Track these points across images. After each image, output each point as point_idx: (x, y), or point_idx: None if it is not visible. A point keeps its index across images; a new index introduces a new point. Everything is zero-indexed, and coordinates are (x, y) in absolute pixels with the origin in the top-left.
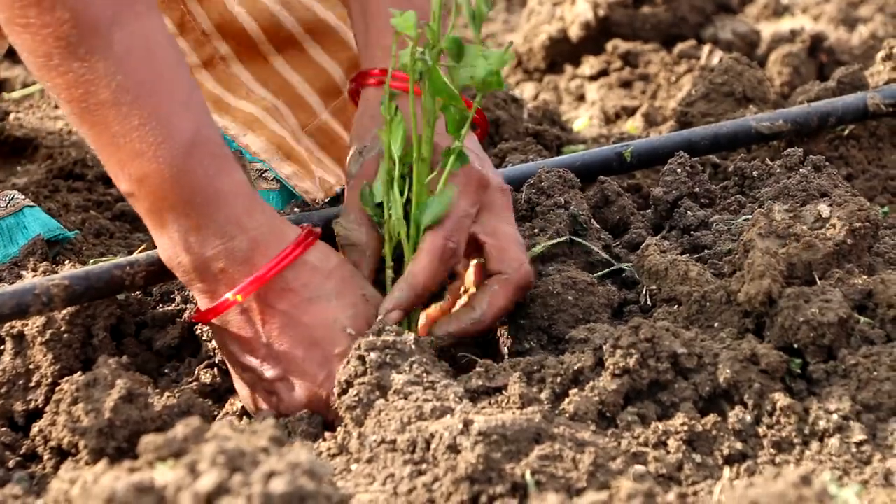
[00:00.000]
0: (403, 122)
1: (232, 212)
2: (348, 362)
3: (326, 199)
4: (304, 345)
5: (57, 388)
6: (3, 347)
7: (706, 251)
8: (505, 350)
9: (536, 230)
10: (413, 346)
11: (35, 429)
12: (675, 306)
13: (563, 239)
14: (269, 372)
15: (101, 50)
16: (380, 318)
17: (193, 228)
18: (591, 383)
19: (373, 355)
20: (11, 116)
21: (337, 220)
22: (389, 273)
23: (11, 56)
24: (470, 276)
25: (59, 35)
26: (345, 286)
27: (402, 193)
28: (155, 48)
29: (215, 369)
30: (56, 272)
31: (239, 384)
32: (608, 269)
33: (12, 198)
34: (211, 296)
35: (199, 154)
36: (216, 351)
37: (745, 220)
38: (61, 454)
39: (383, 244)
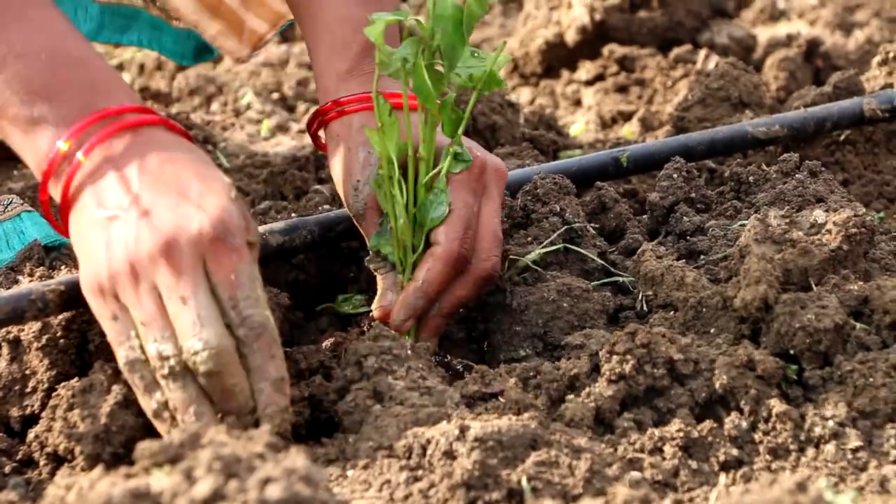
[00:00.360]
0: (398, 123)
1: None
2: (344, 367)
3: (253, 53)
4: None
5: (53, 394)
6: None
7: (702, 257)
8: None
9: (531, 238)
10: (410, 352)
11: (31, 434)
12: (672, 312)
13: (557, 247)
14: (138, 209)
15: None
16: (395, 325)
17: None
18: (587, 389)
19: (370, 361)
20: None
21: (367, 259)
22: (401, 279)
23: None
24: None
25: None
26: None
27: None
28: None
29: None
30: (52, 277)
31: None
32: (606, 281)
33: (10, 202)
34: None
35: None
36: None
37: (741, 225)
38: (57, 460)
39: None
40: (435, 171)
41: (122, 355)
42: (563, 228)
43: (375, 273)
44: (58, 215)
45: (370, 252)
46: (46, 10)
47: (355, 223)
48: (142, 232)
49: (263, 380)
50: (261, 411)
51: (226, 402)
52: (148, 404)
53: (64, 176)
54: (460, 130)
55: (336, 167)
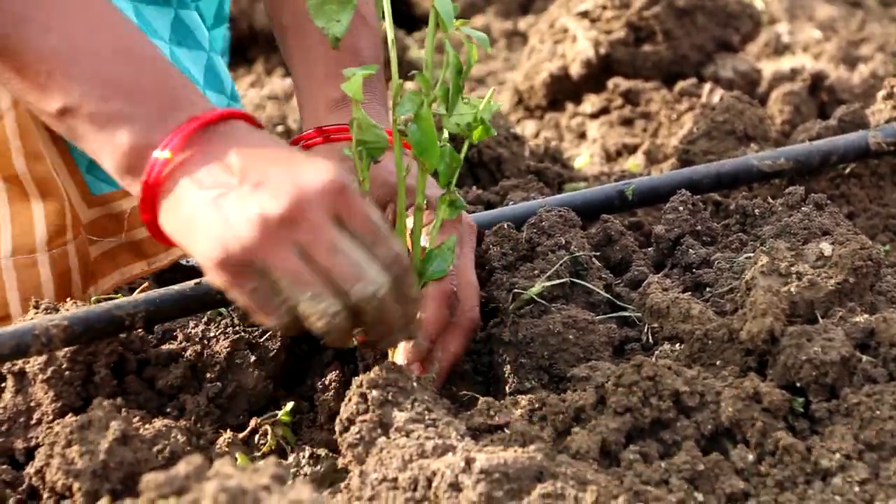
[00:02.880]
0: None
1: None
2: (349, 399)
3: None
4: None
5: (49, 431)
6: (4, 385)
7: (708, 289)
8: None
9: (536, 271)
10: (415, 384)
11: (31, 468)
12: (677, 344)
13: (563, 280)
14: (249, 182)
15: None
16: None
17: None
18: (593, 421)
19: (374, 392)
20: None
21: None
22: None
23: None
24: None
25: None
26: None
27: None
28: None
29: (211, 404)
30: (58, 309)
31: (217, 228)
32: (612, 315)
33: None
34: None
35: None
36: (216, 384)
37: (746, 258)
38: (61, 493)
39: None
40: (431, 222)
41: (274, 321)
42: (566, 258)
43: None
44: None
45: None
46: (106, 4)
47: None
48: (264, 200)
49: (416, 306)
50: (407, 331)
51: (383, 333)
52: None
53: (150, 169)
54: (454, 178)
55: None
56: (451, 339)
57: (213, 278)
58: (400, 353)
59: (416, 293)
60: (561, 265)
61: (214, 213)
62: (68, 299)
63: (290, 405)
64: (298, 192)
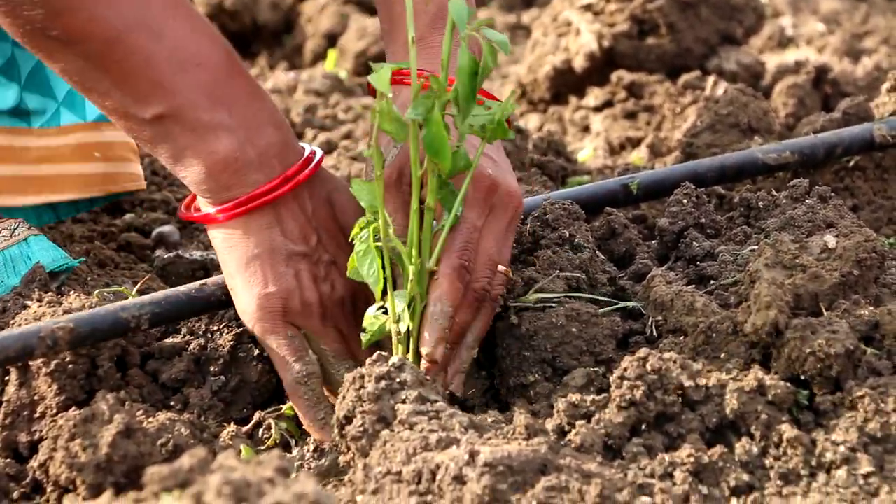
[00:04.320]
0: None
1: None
2: (345, 397)
3: None
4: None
5: (53, 424)
6: (7, 378)
7: (712, 282)
8: None
9: (540, 272)
10: (417, 376)
11: (35, 462)
12: (681, 337)
13: (558, 296)
14: (324, 255)
15: None
16: (429, 355)
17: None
18: (598, 415)
19: (377, 385)
20: None
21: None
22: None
23: None
24: None
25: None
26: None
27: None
28: None
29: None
30: (61, 303)
31: (272, 288)
32: (616, 307)
33: (17, 227)
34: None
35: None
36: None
37: (751, 250)
38: (64, 487)
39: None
40: (440, 226)
41: (297, 369)
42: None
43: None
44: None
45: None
46: (201, 16)
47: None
48: (334, 278)
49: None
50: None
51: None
52: (313, 416)
53: (238, 186)
54: (467, 181)
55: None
56: (460, 313)
57: (254, 319)
58: (426, 332)
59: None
60: (568, 266)
61: (289, 267)
62: (72, 293)
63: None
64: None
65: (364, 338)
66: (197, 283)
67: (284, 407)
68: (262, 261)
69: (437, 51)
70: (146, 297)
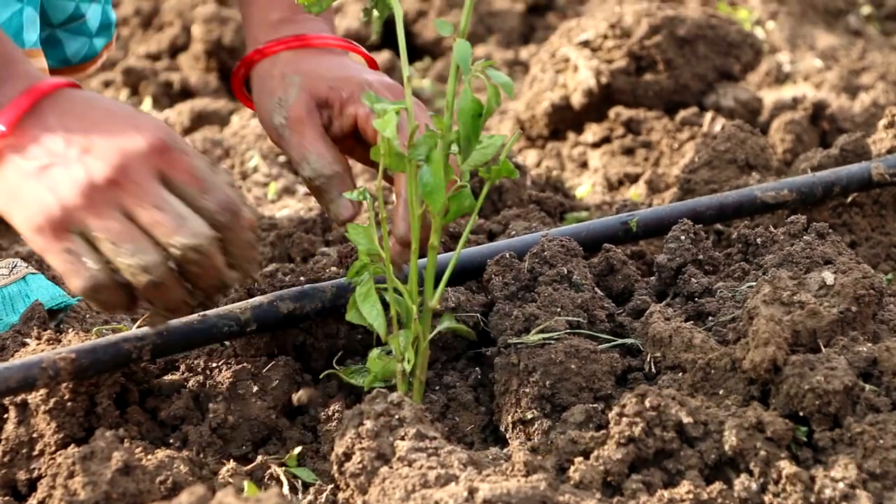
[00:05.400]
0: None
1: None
2: (344, 434)
3: None
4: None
5: (52, 462)
6: (6, 416)
7: (710, 318)
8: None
9: (539, 312)
10: (415, 413)
11: (34, 500)
12: (680, 374)
13: (558, 333)
14: (73, 151)
15: None
16: (400, 236)
17: None
18: (597, 451)
19: (376, 422)
20: None
21: (300, 164)
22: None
23: None
24: None
25: None
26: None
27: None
28: None
29: (215, 435)
30: (60, 340)
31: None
32: (615, 343)
33: (15, 265)
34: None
35: None
36: (217, 412)
37: (749, 287)
38: None
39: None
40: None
41: (78, 284)
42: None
43: (308, 182)
44: None
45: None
46: None
47: (276, 144)
48: (90, 164)
49: (252, 248)
50: (244, 272)
51: (206, 282)
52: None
53: None
54: (471, 220)
55: (260, 100)
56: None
57: (32, 243)
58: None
59: (252, 236)
60: (567, 306)
61: (38, 183)
62: (71, 330)
63: (297, 450)
64: (123, 154)
65: (367, 378)
66: (197, 315)
67: (286, 457)
68: (13, 195)
69: (300, 25)
70: (149, 329)
